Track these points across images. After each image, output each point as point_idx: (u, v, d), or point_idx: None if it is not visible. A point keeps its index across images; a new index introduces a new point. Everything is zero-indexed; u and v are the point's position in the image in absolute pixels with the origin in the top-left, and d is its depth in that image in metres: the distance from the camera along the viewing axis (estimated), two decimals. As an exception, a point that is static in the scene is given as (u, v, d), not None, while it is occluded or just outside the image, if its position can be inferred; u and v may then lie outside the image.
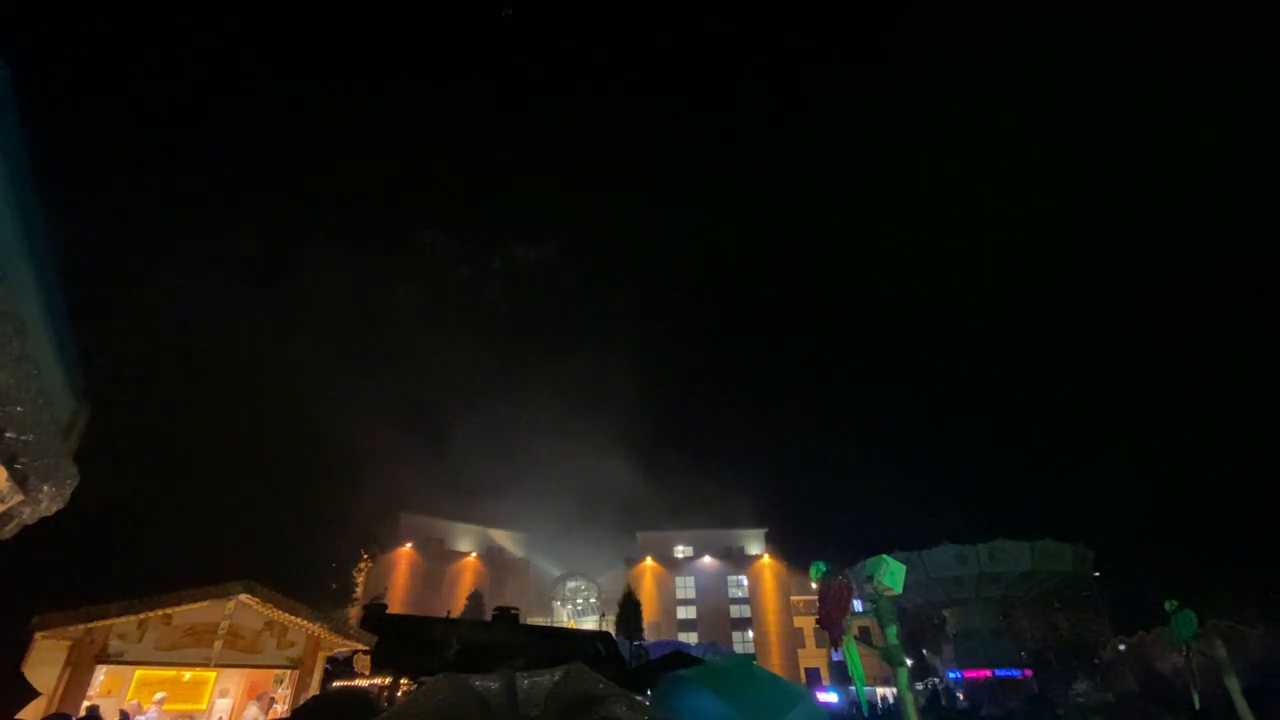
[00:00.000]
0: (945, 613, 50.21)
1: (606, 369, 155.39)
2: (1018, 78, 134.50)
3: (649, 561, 66.59)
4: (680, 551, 68.57)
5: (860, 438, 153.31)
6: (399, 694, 22.63)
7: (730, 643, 58.98)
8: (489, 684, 5.00)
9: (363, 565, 29.20)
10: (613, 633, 38.61)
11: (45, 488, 5.02)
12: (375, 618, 23.47)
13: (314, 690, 13.50)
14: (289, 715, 7.94)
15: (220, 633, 12.33)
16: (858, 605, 7.44)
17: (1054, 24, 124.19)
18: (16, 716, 9.08)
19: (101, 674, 11.86)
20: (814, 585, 7.44)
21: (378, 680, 21.68)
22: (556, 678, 5.14)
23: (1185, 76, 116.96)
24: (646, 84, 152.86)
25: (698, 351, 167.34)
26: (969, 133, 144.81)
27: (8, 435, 4.10)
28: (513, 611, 30.34)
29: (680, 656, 22.50)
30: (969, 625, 46.58)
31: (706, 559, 67.13)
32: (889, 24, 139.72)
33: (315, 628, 13.63)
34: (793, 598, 65.30)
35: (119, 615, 11.43)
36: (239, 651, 12.78)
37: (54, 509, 5.51)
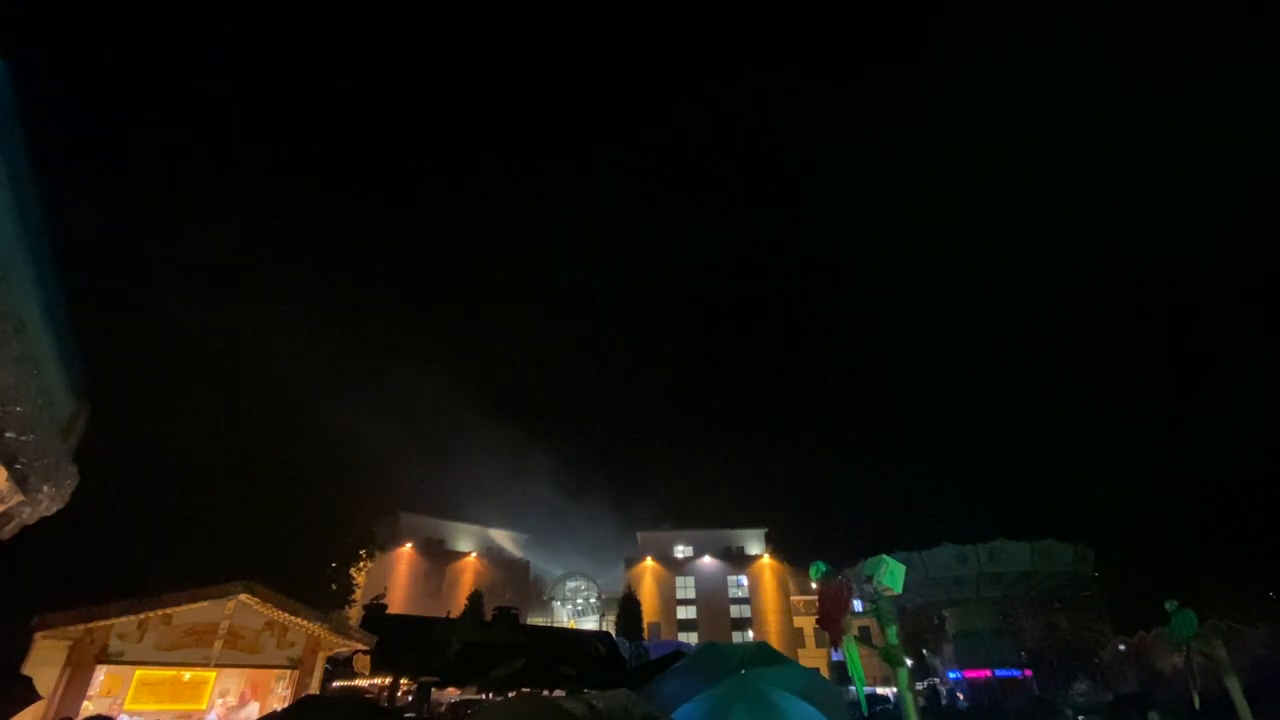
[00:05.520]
0: (945, 613, 50.15)
1: (608, 370, 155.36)
2: (1016, 84, 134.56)
3: (649, 561, 66.53)
4: (680, 551, 68.50)
5: (860, 438, 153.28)
6: (399, 694, 22.62)
7: (730, 643, 58.98)
8: (568, 706, 4.98)
9: (363, 565, 29.13)
10: (613, 633, 38.58)
11: (45, 488, 5.01)
12: (375, 618, 23.43)
13: (314, 691, 13.48)
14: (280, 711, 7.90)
15: (220, 633, 12.31)
16: (858, 605, 7.44)
17: (1057, 37, 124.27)
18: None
19: (101, 674, 11.84)
20: (814, 585, 7.43)
21: (377, 680, 21.67)
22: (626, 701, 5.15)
23: (1184, 87, 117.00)
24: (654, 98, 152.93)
25: (699, 353, 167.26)
26: (968, 134, 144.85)
27: (8, 435, 4.09)
28: (513, 611, 30.30)
29: (680, 657, 22.47)
30: (969, 625, 46.51)
31: (706, 559, 67.06)
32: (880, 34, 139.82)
33: (315, 628, 13.61)
34: (793, 598, 65.27)
35: (119, 615, 11.41)
36: (239, 651, 12.76)
37: (54, 509, 5.49)
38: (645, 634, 44.82)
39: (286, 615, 13.15)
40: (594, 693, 5.28)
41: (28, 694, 8.96)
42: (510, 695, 20.54)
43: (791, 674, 5.60)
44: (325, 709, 7.78)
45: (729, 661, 5.69)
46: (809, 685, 5.46)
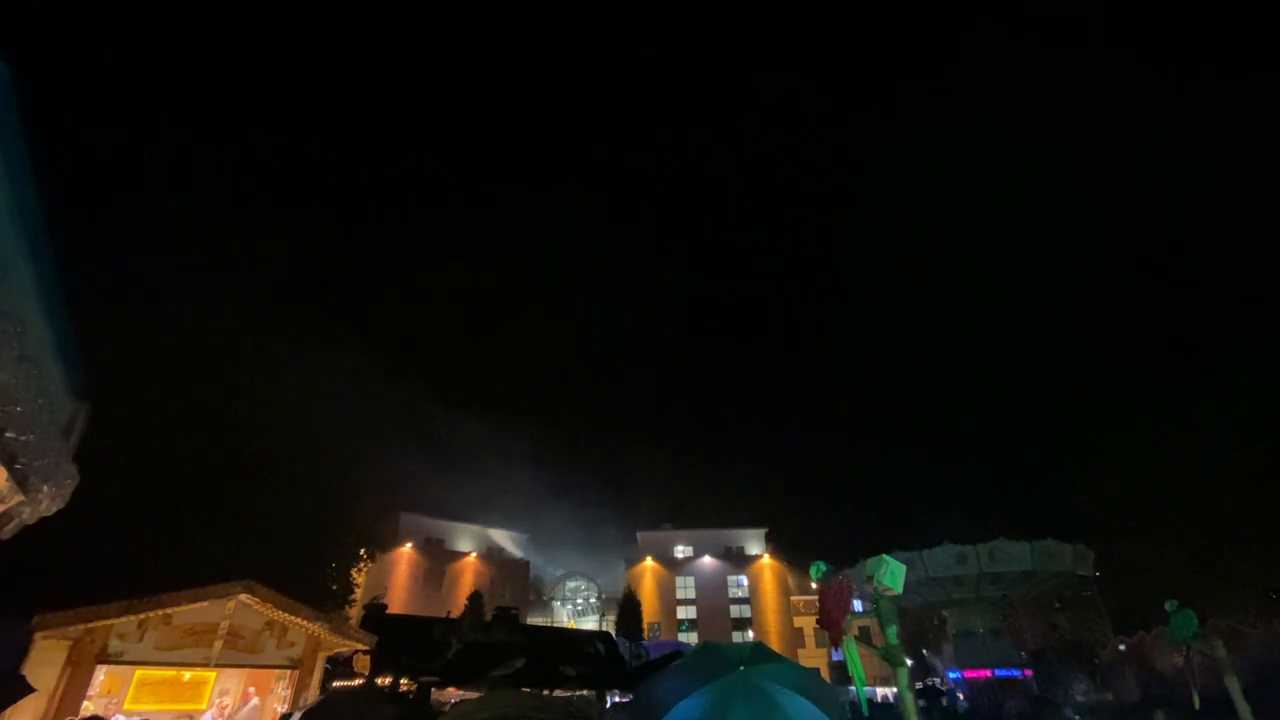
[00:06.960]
0: (945, 613, 50.15)
1: (609, 370, 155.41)
2: (1015, 83, 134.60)
3: (649, 561, 66.54)
4: (680, 551, 68.52)
5: (860, 438, 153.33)
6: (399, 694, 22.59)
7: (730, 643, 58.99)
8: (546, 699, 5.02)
9: (363, 565, 29.15)
10: (613, 633, 38.59)
11: (45, 488, 5.00)
12: (375, 618, 23.43)
13: (314, 690, 13.49)
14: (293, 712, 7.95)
15: (220, 633, 12.31)
16: (858, 605, 7.42)
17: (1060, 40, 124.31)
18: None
19: (101, 674, 11.84)
20: (814, 585, 7.42)
21: (377, 680, 21.65)
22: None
23: (1194, 85, 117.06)
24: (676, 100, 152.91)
25: (700, 353, 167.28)
26: (970, 136, 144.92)
27: (8, 435, 4.09)
28: (513, 611, 30.29)
29: (680, 656, 22.46)
30: (969, 625, 46.50)
31: (706, 559, 67.07)
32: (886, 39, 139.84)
33: (315, 628, 13.62)
34: (793, 598, 65.28)
35: (119, 615, 11.41)
36: (239, 651, 12.77)
37: (54, 509, 5.49)
38: (645, 634, 44.87)
39: (286, 615, 13.16)
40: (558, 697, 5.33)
41: (22, 689, 8.97)
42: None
43: (790, 672, 5.58)
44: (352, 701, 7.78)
45: (728, 659, 5.67)
46: (808, 683, 5.43)
